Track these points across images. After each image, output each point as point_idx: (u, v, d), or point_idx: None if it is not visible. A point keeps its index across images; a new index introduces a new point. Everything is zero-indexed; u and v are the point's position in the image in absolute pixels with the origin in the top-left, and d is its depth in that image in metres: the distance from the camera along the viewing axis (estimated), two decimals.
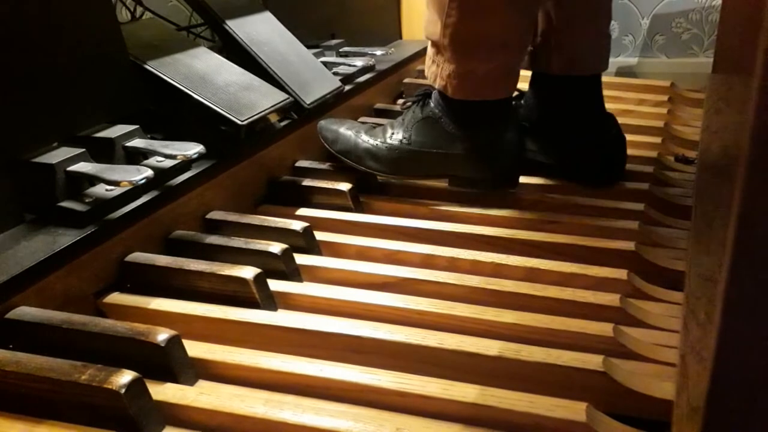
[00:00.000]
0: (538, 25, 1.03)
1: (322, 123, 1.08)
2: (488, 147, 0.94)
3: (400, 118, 1.01)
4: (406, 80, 1.47)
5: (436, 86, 0.95)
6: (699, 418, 0.38)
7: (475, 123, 0.94)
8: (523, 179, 1.02)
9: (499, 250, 0.85)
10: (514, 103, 1.05)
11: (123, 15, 1.09)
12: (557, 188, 1.02)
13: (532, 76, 1.07)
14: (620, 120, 1.06)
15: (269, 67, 1.06)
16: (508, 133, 0.95)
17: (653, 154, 1.14)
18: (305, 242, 0.86)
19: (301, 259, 0.82)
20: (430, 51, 0.95)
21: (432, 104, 0.96)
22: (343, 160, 1.03)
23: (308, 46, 1.21)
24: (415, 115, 0.98)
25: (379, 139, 1.00)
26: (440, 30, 0.89)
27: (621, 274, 0.78)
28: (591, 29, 1.02)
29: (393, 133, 0.99)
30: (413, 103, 1.00)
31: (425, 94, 0.99)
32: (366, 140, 1.01)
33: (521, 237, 0.87)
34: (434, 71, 0.94)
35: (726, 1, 1.12)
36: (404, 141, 0.98)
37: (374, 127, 1.04)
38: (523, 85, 1.05)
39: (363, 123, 1.07)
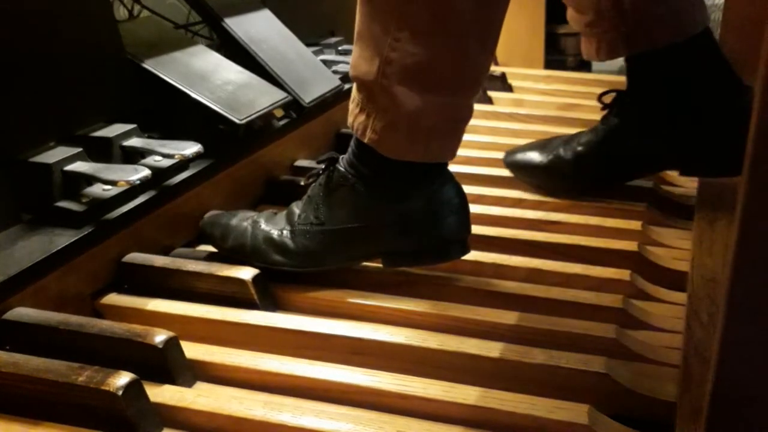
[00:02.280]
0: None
1: (206, 219, 0.85)
2: (428, 209, 0.74)
3: (304, 197, 0.80)
4: None
5: (366, 140, 0.73)
6: (702, 419, 0.38)
7: (407, 183, 0.74)
8: (523, 179, 1.02)
9: (501, 250, 0.85)
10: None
11: (120, 13, 1.09)
12: None
13: (632, 69, 0.93)
14: None
15: (268, 65, 1.06)
16: (449, 187, 0.75)
17: None
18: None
19: None
20: (357, 96, 0.74)
21: (342, 169, 0.75)
22: (237, 258, 0.80)
23: (307, 44, 1.21)
24: (322, 187, 0.77)
25: (282, 226, 0.79)
26: (377, 68, 0.69)
27: (624, 274, 0.79)
28: None
29: (298, 215, 0.78)
30: (317, 175, 0.79)
31: (329, 159, 0.78)
32: (266, 229, 0.79)
33: (523, 237, 0.88)
34: (362, 122, 0.73)
35: (729, 1, 1.13)
36: (314, 222, 0.76)
37: (275, 214, 0.82)
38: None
39: (260, 212, 0.84)
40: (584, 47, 0.98)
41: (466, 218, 0.76)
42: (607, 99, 0.97)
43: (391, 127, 0.71)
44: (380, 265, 0.81)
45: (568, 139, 0.99)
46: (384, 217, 0.74)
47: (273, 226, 0.79)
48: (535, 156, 1.00)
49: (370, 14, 0.70)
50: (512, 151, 1.04)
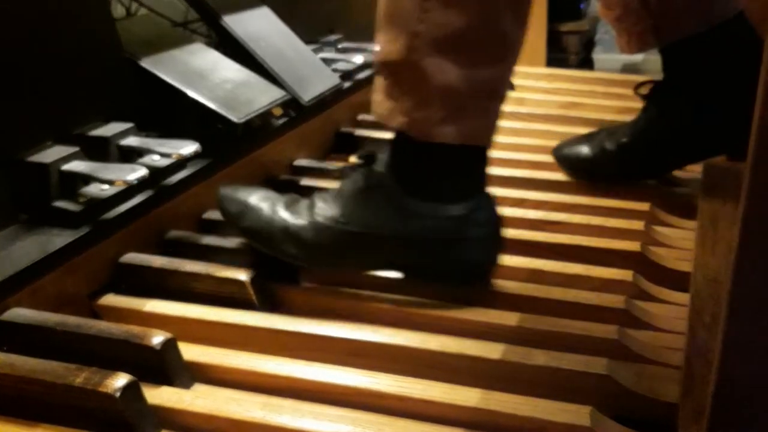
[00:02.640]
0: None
1: (224, 192, 0.81)
2: (460, 225, 0.71)
3: (334, 190, 0.77)
4: None
5: (395, 125, 0.70)
6: (704, 421, 0.38)
7: (443, 190, 0.71)
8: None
9: (502, 251, 0.85)
10: None
11: (118, 11, 1.09)
12: (561, 187, 1.02)
13: (668, 59, 0.94)
14: (626, 119, 1.06)
15: (266, 63, 1.06)
16: (483, 211, 0.72)
17: None
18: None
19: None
20: (382, 84, 0.71)
21: (381, 168, 0.72)
22: (250, 242, 0.78)
23: (306, 42, 1.21)
24: (355, 184, 0.73)
25: (303, 217, 0.75)
26: (405, 44, 0.67)
27: (626, 275, 0.79)
28: None
29: (323, 209, 0.74)
30: (352, 169, 0.76)
31: (368, 156, 0.74)
32: (285, 217, 0.75)
33: (524, 237, 0.88)
34: (389, 107, 0.70)
35: None
36: (339, 220, 0.73)
37: (297, 201, 0.78)
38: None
39: (281, 195, 0.80)
40: (617, 41, 1.00)
41: (493, 247, 0.74)
42: (644, 90, 0.99)
43: (423, 104, 0.68)
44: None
45: (612, 131, 1.01)
46: (412, 229, 0.71)
47: (292, 214, 0.76)
48: (583, 149, 1.02)
49: None
50: (561, 145, 1.06)
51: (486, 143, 0.72)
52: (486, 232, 0.72)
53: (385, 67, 0.70)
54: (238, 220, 0.78)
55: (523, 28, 0.70)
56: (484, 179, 0.74)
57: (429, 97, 0.68)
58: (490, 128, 0.72)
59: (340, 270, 0.76)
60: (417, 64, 0.67)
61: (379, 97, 0.72)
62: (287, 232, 0.75)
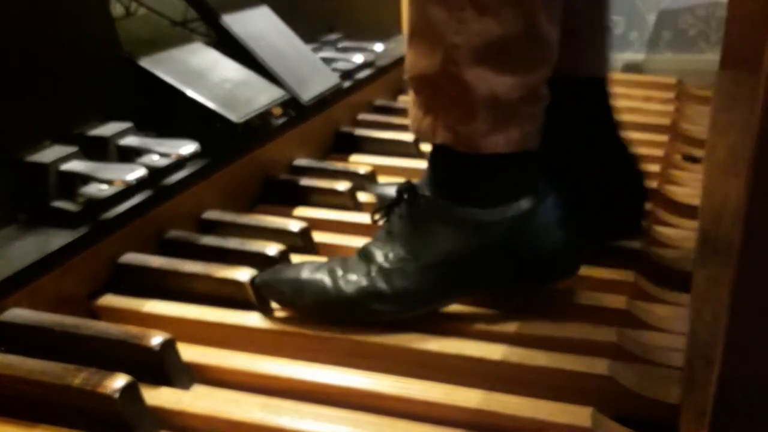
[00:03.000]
0: None
1: (264, 278, 0.74)
2: (529, 224, 0.69)
3: (380, 235, 0.73)
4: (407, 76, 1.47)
5: (439, 141, 0.68)
6: (706, 422, 0.38)
7: (499, 194, 0.69)
8: None
9: None
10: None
11: (117, 10, 1.09)
12: None
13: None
14: (626, 118, 1.06)
15: (266, 62, 1.06)
16: (551, 198, 0.70)
17: (660, 152, 1.14)
18: (303, 243, 0.86)
19: (298, 260, 0.83)
20: (418, 100, 0.70)
21: (426, 194, 0.70)
22: (324, 318, 0.71)
23: (306, 42, 1.22)
24: (404, 219, 0.71)
25: (369, 272, 0.70)
26: (441, 57, 0.65)
27: (627, 275, 0.79)
28: (595, 19, 0.82)
29: (385, 255, 0.70)
30: (389, 209, 0.73)
31: (405, 188, 0.71)
32: (352, 279, 0.70)
33: None
34: (429, 124, 0.68)
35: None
36: (408, 258, 0.69)
37: (347, 260, 0.73)
38: None
39: (328, 261, 0.75)
40: None
41: (573, 232, 0.71)
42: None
43: (467, 117, 0.66)
44: None
45: None
46: (482, 240, 0.68)
47: (356, 274, 0.70)
48: None
49: (425, 4, 0.66)
50: None
51: (534, 147, 0.70)
52: (553, 223, 0.70)
53: (421, 81, 0.69)
54: (299, 299, 0.72)
55: (558, 27, 0.68)
56: (538, 175, 0.71)
57: (473, 109, 0.66)
58: (537, 131, 0.70)
59: (435, 309, 0.72)
60: (458, 77, 0.65)
61: (417, 113, 0.70)
62: (364, 292, 0.70)
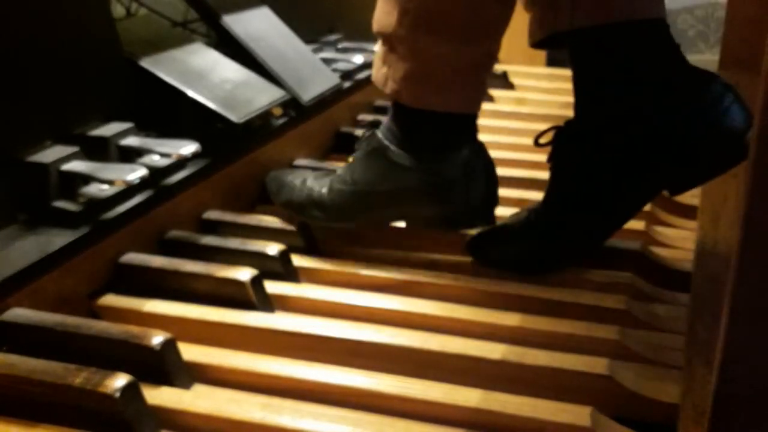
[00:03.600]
0: None
1: (271, 174, 0.96)
2: (452, 175, 0.78)
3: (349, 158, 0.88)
4: None
5: (387, 91, 0.80)
6: (705, 421, 0.38)
7: (433, 146, 0.78)
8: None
9: None
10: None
11: (118, 11, 1.09)
12: None
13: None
14: None
15: (266, 63, 1.06)
16: (476, 157, 0.80)
17: None
18: (303, 243, 0.86)
19: (299, 260, 0.83)
20: (380, 50, 0.81)
21: (379, 134, 0.82)
22: (288, 212, 0.90)
23: (306, 42, 1.22)
24: (362, 149, 0.84)
25: (324, 186, 0.86)
26: (396, 18, 0.75)
27: (626, 275, 0.79)
28: None
29: (338, 176, 0.86)
30: (360, 141, 0.86)
31: (371, 123, 0.86)
32: (311, 187, 0.87)
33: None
34: (384, 73, 0.80)
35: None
36: (348, 182, 0.83)
37: (326, 174, 0.90)
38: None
39: (319, 170, 0.94)
40: (528, 30, 0.80)
41: (494, 188, 0.82)
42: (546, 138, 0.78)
43: (410, 76, 0.77)
44: (380, 266, 0.82)
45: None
46: (412, 182, 0.79)
47: (316, 183, 0.87)
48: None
49: None
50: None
51: (473, 110, 0.80)
52: (479, 177, 0.80)
53: (381, 36, 0.79)
54: (276, 195, 0.92)
55: (508, 6, 0.76)
56: (473, 131, 0.81)
57: (415, 69, 0.76)
58: (477, 97, 0.80)
59: (356, 225, 0.85)
60: (405, 39, 0.76)
61: (377, 62, 0.81)
62: (311, 199, 0.86)
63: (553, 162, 0.77)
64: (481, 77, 0.79)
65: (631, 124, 0.72)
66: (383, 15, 0.78)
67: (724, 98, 0.69)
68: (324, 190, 0.85)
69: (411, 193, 0.80)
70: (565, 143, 0.76)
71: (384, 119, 0.84)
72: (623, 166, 0.72)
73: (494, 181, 0.81)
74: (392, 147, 0.80)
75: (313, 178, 0.88)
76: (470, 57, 0.76)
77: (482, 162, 0.80)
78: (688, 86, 0.71)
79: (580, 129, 0.76)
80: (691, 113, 0.70)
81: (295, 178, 0.90)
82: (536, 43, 0.77)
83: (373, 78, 0.82)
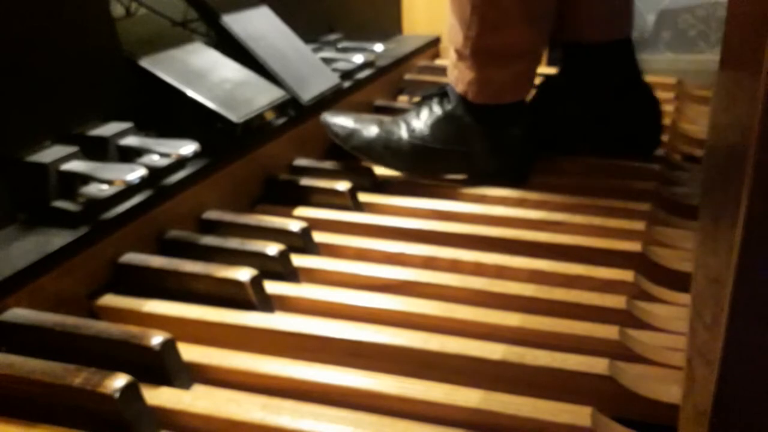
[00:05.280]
0: None
1: (328, 118, 1.09)
2: (503, 144, 1.02)
3: (413, 113, 1.06)
4: (407, 76, 1.47)
5: (458, 90, 1.02)
6: (705, 422, 0.38)
7: (492, 123, 1.02)
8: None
9: (503, 251, 0.85)
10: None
11: (117, 11, 1.09)
12: (562, 188, 1.03)
13: (563, 48, 1.11)
14: None
15: (266, 62, 1.06)
16: (522, 132, 1.03)
17: (660, 152, 1.14)
18: (303, 243, 0.86)
19: (299, 260, 0.83)
20: (453, 56, 1.02)
21: (452, 104, 1.03)
22: (360, 157, 1.06)
23: (306, 41, 1.22)
24: (433, 112, 1.04)
25: (396, 135, 1.04)
26: (462, 40, 0.98)
27: (627, 275, 0.79)
28: None
29: (412, 130, 1.04)
30: (429, 99, 1.06)
31: (443, 92, 1.05)
32: (383, 136, 1.04)
33: (525, 238, 0.88)
34: (456, 76, 1.02)
35: None
36: (427, 138, 1.03)
37: (382, 122, 1.07)
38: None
39: (367, 115, 1.10)
40: None
41: (530, 154, 1.05)
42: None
43: (473, 82, 1.00)
44: (379, 266, 0.82)
45: None
46: (473, 145, 1.02)
47: (387, 133, 1.05)
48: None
49: None
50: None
51: (522, 97, 1.04)
52: (525, 144, 1.04)
53: (453, 47, 1.01)
54: (346, 140, 1.07)
55: (541, 31, 1.02)
56: (522, 110, 1.04)
57: (476, 80, 1.00)
58: (525, 93, 1.04)
59: (428, 175, 1.05)
60: (468, 57, 0.99)
61: (450, 64, 1.04)
62: (389, 147, 1.04)
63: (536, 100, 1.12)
64: (531, 77, 1.04)
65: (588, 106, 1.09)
66: (452, 32, 1.00)
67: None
68: (399, 139, 1.03)
69: (475, 155, 1.02)
70: (545, 91, 1.13)
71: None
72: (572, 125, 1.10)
73: (533, 149, 1.06)
74: (465, 117, 1.02)
75: (380, 127, 1.05)
76: (519, 71, 1.01)
77: (524, 134, 1.03)
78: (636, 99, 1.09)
79: (558, 84, 1.12)
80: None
81: (361, 124, 1.06)
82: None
83: (449, 76, 1.04)
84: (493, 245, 0.87)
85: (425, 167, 1.05)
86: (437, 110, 1.04)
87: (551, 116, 1.11)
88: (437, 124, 1.03)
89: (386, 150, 1.04)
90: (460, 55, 1.00)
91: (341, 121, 1.08)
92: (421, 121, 1.04)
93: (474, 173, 1.04)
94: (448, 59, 1.05)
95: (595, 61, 1.07)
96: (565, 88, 1.11)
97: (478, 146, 1.02)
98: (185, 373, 0.64)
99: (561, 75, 1.12)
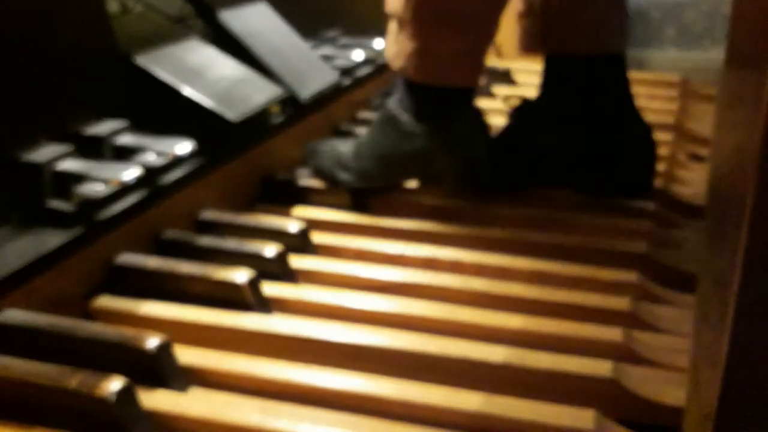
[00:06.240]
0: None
1: (309, 144, 1.05)
2: (449, 141, 0.92)
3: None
4: None
5: (397, 67, 0.92)
6: (710, 425, 0.38)
7: (434, 114, 0.92)
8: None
9: (505, 252, 0.85)
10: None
11: (113, 7, 1.09)
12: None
13: (547, 62, 1.00)
14: None
15: (264, 59, 1.06)
16: (470, 127, 0.93)
17: (665, 152, 1.14)
18: (302, 244, 0.86)
19: (297, 261, 0.83)
20: (392, 29, 0.92)
21: (390, 103, 0.95)
22: (318, 176, 1.01)
23: (305, 38, 1.22)
24: (377, 117, 0.98)
25: (350, 151, 0.98)
26: (404, 3, 0.88)
27: (632, 276, 0.79)
28: None
29: (361, 143, 0.98)
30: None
31: (384, 94, 1.02)
32: (339, 152, 0.99)
33: (528, 238, 0.88)
34: (395, 50, 0.92)
35: None
36: (368, 148, 0.96)
37: (351, 140, 1.03)
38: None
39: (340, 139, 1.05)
40: (518, 38, 1.06)
41: (483, 146, 0.94)
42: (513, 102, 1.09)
43: (415, 54, 0.89)
44: (379, 267, 0.82)
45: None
46: (420, 145, 0.92)
47: (344, 148, 0.99)
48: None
49: None
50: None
51: (470, 86, 0.93)
52: (473, 141, 0.93)
53: (392, 17, 0.91)
54: (310, 160, 1.02)
55: (498, 9, 0.90)
56: (471, 100, 0.94)
57: (421, 48, 0.88)
58: (475, 75, 0.92)
59: (380, 186, 0.98)
60: (411, 21, 0.88)
61: (389, 40, 0.93)
62: (339, 162, 0.98)
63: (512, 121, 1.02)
64: (480, 58, 0.92)
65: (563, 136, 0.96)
66: None
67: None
68: (350, 156, 0.97)
69: (422, 154, 0.93)
70: (522, 116, 1.01)
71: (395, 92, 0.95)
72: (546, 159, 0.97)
73: (486, 147, 0.94)
74: (402, 116, 0.92)
75: (341, 144, 1.00)
76: (468, 40, 0.89)
77: (480, 123, 0.94)
78: (617, 127, 0.96)
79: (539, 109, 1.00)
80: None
81: (326, 145, 1.01)
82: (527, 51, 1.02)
83: (386, 56, 0.94)
84: (495, 246, 0.87)
85: (371, 179, 0.97)
86: (378, 115, 0.98)
87: (530, 147, 0.97)
88: (375, 129, 0.97)
89: (337, 165, 0.98)
90: (400, 24, 0.90)
91: (316, 144, 1.03)
92: (368, 131, 0.99)
93: (427, 177, 0.98)
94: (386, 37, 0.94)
95: (582, 78, 0.95)
96: (546, 114, 0.98)
97: (417, 145, 0.93)
98: (182, 376, 0.64)
99: (541, 98, 1.00)
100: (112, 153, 0.84)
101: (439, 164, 0.94)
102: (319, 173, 1.00)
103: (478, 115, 0.95)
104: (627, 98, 0.96)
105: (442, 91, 0.91)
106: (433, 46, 0.88)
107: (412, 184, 1.02)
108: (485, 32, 0.91)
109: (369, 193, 0.98)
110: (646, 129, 0.96)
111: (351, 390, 0.63)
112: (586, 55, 0.95)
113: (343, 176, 0.97)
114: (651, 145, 0.96)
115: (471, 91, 0.94)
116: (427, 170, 0.95)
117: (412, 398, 0.61)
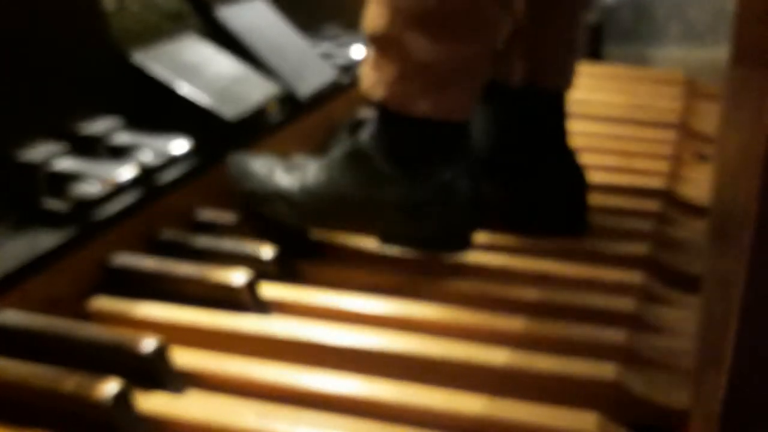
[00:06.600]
0: None
1: (234, 157, 0.88)
2: (433, 194, 0.76)
3: (326, 155, 0.85)
4: None
5: (376, 97, 0.77)
6: (715, 427, 0.39)
7: (418, 158, 0.76)
8: None
9: (507, 253, 0.85)
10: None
11: (109, 5, 1.09)
12: None
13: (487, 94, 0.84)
14: (633, 115, 1.06)
15: (262, 57, 1.06)
16: (462, 177, 0.77)
17: (669, 150, 1.14)
18: (300, 244, 0.86)
19: (296, 262, 0.83)
20: (370, 56, 0.77)
21: (364, 135, 0.79)
22: (246, 203, 0.87)
23: (304, 35, 1.22)
24: (342, 150, 0.81)
25: (295, 182, 0.82)
26: (389, 19, 0.73)
27: (636, 277, 0.79)
28: (564, 31, 0.89)
29: (313, 174, 0.82)
30: (337, 138, 0.89)
31: (357, 123, 0.86)
32: (279, 180, 0.83)
33: (530, 239, 0.88)
34: (374, 78, 0.76)
35: None
36: (322, 183, 0.80)
37: (297, 167, 0.85)
38: None
39: (291, 159, 0.88)
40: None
41: (475, 214, 0.79)
42: None
43: (401, 78, 0.74)
44: (378, 268, 0.82)
45: None
46: (389, 196, 0.77)
47: (286, 177, 0.83)
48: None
49: None
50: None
51: (463, 119, 0.77)
52: (464, 200, 0.77)
53: (372, 39, 0.76)
54: (238, 182, 0.86)
55: (505, 8, 0.76)
56: (464, 149, 0.78)
57: (408, 71, 0.74)
58: (467, 103, 0.77)
59: (326, 229, 0.85)
60: (398, 39, 0.73)
61: (366, 69, 0.78)
62: (279, 193, 0.83)
63: None
64: (475, 82, 0.77)
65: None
66: (375, 17, 0.75)
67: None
68: (295, 187, 0.82)
69: (387, 207, 0.77)
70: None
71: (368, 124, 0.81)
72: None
73: (477, 207, 0.79)
74: (376, 155, 0.77)
75: (283, 171, 0.84)
76: (465, 57, 0.74)
77: (466, 184, 0.77)
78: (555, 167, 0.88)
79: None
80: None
81: (261, 167, 0.85)
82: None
83: (362, 86, 0.79)
84: (496, 247, 0.87)
85: (319, 221, 0.83)
86: (345, 145, 0.81)
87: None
88: (340, 164, 0.80)
89: (277, 196, 0.83)
90: (383, 44, 0.75)
91: (243, 160, 0.88)
92: (326, 160, 0.82)
93: (385, 234, 0.81)
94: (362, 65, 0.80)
95: (522, 112, 0.87)
96: (487, 156, 0.88)
97: (391, 194, 0.77)
98: (178, 378, 0.64)
99: (481, 135, 0.87)
100: (107, 152, 0.84)
101: (405, 224, 0.78)
102: (249, 197, 0.86)
103: (470, 169, 0.79)
104: (563, 137, 0.90)
105: (427, 127, 0.76)
106: (422, 65, 0.74)
107: None
108: (486, 46, 0.76)
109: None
110: (576, 166, 0.89)
111: (351, 393, 0.63)
112: (524, 90, 0.87)
113: (282, 209, 0.83)
114: (582, 180, 0.89)
115: (462, 132, 0.78)
116: (389, 227, 0.80)
117: (412, 401, 0.61)
